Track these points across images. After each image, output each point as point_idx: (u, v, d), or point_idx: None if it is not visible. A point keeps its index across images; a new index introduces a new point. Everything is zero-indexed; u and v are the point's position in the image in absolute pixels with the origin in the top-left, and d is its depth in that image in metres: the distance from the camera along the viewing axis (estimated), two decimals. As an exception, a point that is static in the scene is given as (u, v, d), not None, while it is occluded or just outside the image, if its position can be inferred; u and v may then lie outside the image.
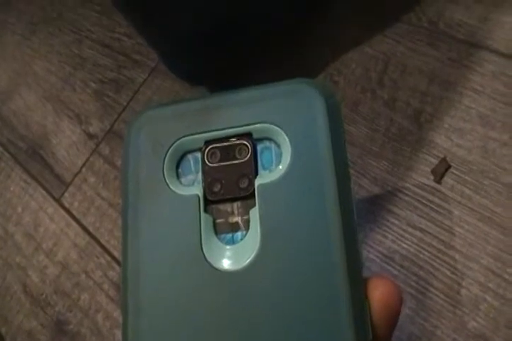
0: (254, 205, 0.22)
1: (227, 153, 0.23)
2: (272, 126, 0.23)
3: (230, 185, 0.23)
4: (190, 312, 0.21)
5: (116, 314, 0.39)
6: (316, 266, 0.21)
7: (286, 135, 0.23)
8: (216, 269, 0.21)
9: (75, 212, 0.46)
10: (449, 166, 0.35)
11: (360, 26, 0.41)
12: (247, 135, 0.23)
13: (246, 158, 0.23)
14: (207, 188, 0.22)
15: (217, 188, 0.23)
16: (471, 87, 0.37)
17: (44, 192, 0.48)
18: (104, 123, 0.47)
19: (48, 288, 0.43)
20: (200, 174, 0.23)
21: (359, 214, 0.21)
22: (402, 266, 0.34)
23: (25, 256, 0.46)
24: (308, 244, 0.21)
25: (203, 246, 0.22)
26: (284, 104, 0.23)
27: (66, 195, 0.47)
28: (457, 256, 0.33)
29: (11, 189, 0.51)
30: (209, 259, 0.21)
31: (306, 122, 0.23)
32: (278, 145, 0.23)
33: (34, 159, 0.50)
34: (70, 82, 0.52)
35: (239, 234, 0.22)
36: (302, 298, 0.20)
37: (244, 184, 0.23)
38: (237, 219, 0.23)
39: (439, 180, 0.35)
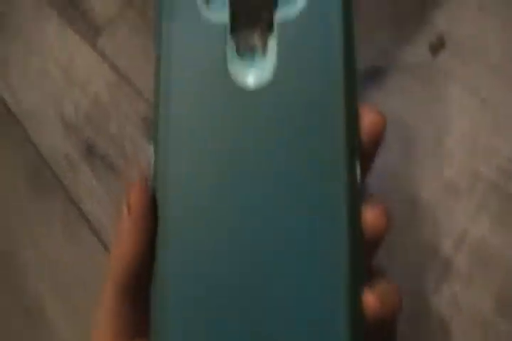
0: (273, 33, 0.26)
1: None
2: None
3: (252, 14, 0.27)
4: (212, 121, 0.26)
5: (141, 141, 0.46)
6: (321, 88, 0.26)
7: None
8: (239, 86, 0.26)
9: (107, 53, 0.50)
10: None
11: None
12: None
13: None
14: (231, 16, 0.26)
15: (240, 16, 0.27)
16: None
17: (77, 36, 0.53)
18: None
19: (80, 117, 0.50)
20: (227, 2, 0.27)
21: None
22: None
23: (60, 89, 0.52)
24: (318, 68, 0.25)
25: (228, 64, 0.26)
26: None
27: (99, 39, 0.51)
28: None
29: (48, 32, 0.55)
30: (232, 76, 0.26)
31: None
32: None
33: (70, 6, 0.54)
34: None
35: (258, 57, 0.26)
36: (306, 109, 0.25)
37: (265, 14, 0.27)
38: (258, 43, 0.27)
39: None
